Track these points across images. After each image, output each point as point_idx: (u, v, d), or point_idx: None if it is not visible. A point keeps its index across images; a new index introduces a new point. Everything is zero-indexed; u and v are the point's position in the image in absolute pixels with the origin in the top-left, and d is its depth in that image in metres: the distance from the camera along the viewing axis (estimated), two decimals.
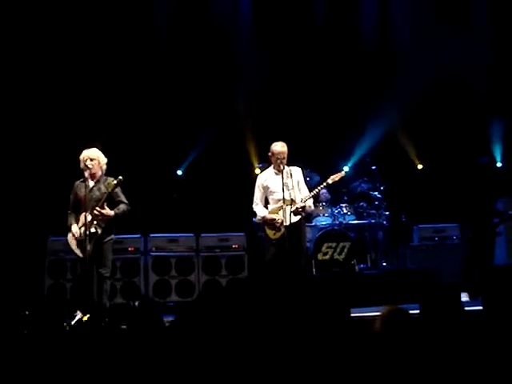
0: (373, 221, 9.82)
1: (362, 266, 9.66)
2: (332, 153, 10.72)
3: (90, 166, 7.19)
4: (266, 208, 7.60)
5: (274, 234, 7.41)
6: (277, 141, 7.52)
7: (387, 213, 9.81)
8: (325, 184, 7.58)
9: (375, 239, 9.80)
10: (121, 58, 10.40)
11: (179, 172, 11.22)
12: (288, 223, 7.26)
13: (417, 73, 10.54)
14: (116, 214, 7.21)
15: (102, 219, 7.13)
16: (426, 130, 11.03)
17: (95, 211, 7.04)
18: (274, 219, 7.40)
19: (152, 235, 9.93)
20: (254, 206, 7.66)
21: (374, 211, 9.78)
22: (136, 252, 9.80)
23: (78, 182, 7.36)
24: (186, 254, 9.92)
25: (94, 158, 7.27)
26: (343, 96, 11.02)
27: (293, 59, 11.00)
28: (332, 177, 7.54)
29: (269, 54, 10.81)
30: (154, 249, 9.85)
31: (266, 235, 7.49)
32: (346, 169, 10.33)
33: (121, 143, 10.29)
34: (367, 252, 9.81)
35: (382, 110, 10.82)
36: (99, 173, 7.31)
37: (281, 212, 7.36)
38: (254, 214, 7.68)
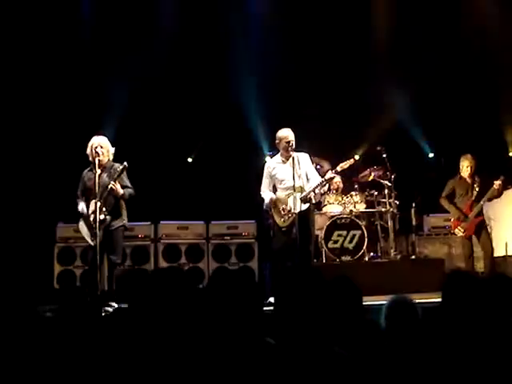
0: (383, 209, 9.78)
1: (372, 254, 9.64)
2: (342, 141, 10.67)
3: (99, 153, 7.19)
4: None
5: (283, 221, 7.40)
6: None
7: (397, 201, 9.77)
8: (334, 171, 7.55)
9: (385, 228, 9.76)
10: (130, 47, 10.37)
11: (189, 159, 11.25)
12: (297, 211, 7.26)
13: (428, 60, 10.51)
14: (124, 193, 7.20)
15: (115, 194, 7.11)
16: (437, 119, 10.98)
17: (111, 185, 7.03)
18: (280, 200, 7.40)
19: (162, 222, 9.98)
20: (261, 193, 7.67)
21: (384, 200, 9.74)
22: (146, 239, 9.85)
23: (85, 171, 7.37)
24: (195, 241, 9.97)
25: (103, 145, 7.27)
26: (354, 84, 10.96)
27: (302, 47, 10.95)
28: (341, 164, 7.50)
29: (278, 42, 10.75)
30: (164, 236, 9.89)
31: (275, 223, 7.48)
32: (356, 157, 10.28)
33: (131, 130, 10.30)
34: (377, 240, 9.78)
35: (393, 98, 10.78)
36: (105, 160, 7.28)
37: (290, 199, 7.35)
38: (262, 201, 7.66)
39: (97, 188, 7.07)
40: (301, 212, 7.28)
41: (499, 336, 3.36)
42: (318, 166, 9.07)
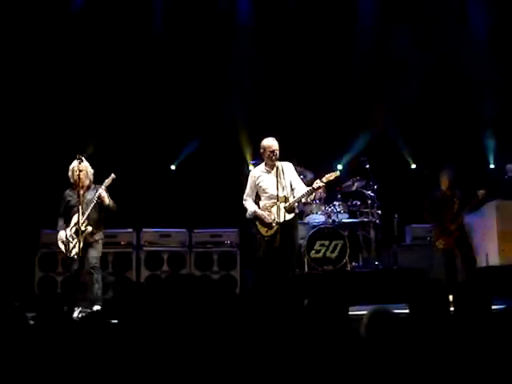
0: (366, 219, 9.82)
1: (354, 264, 9.67)
2: (325, 150, 10.71)
3: (80, 177, 7.36)
4: (257, 204, 7.58)
5: (267, 231, 7.38)
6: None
7: (380, 212, 9.81)
8: (319, 182, 7.52)
9: (368, 238, 9.80)
10: (115, 54, 10.38)
11: (172, 167, 11.23)
12: (281, 220, 7.26)
13: (412, 71, 10.57)
14: (109, 203, 7.42)
15: (101, 200, 7.34)
16: (420, 129, 11.04)
17: (101, 191, 7.30)
18: (265, 216, 7.39)
19: (144, 230, 9.94)
20: (244, 201, 7.65)
21: (367, 210, 9.79)
22: (128, 246, 9.81)
23: (67, 192, 7.59)
24: (178, 249, 9.93)
25: (82, 169, 7.46)
26: (337, 94, 11.01)
27: (286, 57, 10.99)
28: (326, 176, 7.47)
29: (263, 52, 10.80)
30: (146, 243, 9.85)
31: (259, 232, 7.47)
32: (339, 168, 10.33)
33: (114, 138, 10.29)
34: (359, 250, 9.82)
35: (376, 108, 10.83)
36: (87, 182, 7.51)
37: (274, 209, 7.35)
38: (245, 210, 7.64)
39: (81, 206, 7.26)
40: (285, 222, 7.28)
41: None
42: (302, 176, 9.08)
